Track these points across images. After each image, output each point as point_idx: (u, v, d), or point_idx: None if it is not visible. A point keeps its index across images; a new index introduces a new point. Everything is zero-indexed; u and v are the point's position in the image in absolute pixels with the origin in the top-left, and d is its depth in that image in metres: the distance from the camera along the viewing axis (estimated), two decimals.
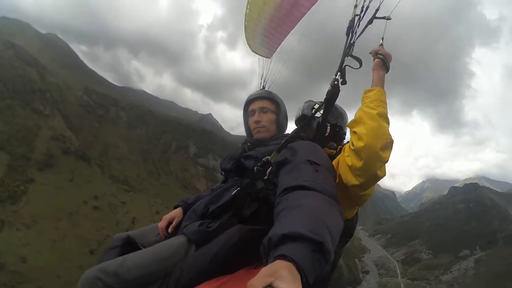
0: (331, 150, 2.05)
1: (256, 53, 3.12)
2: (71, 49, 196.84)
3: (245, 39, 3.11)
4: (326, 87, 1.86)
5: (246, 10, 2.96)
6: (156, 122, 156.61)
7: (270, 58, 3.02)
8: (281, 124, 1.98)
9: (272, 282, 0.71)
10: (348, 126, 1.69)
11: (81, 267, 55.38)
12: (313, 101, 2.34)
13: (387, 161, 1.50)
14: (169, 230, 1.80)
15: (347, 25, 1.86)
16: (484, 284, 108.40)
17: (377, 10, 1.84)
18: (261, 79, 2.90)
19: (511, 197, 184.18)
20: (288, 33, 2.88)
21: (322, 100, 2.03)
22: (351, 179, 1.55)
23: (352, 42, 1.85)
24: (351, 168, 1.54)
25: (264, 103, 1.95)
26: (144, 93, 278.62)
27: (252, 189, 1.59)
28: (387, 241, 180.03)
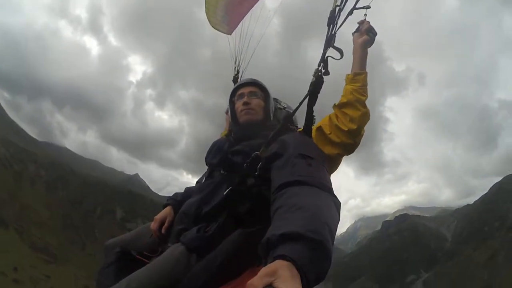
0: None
1: (217, 29, 3.18)
2: None
3: (206, 15, 3.13)
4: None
5: None
6: (78, 183, 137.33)
7: (230, 34, 3.05)
8: (269, 111, 1.97)
9: (272, 282, 0.71)
10: (336, 106, 1.83)
11: None
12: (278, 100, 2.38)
13: (364, 133, 1.81)
14: (162, 231, 1.78)
15: (328, 16, 1.87)
16: None
17: (357, 1, 1.89)
18: (235, 63, 2.95)
19: (440, 219, 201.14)
20: (249, 9, 2.89)
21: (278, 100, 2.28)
22: (336, 150, 1.79)
23: (333, 33, 1.86)
24: (339, 144, 1.76)
25: (253, 88, 1.96)
26: (66, 150, 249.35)
27: (244, 187, 1.54)
28: (333, 285, 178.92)
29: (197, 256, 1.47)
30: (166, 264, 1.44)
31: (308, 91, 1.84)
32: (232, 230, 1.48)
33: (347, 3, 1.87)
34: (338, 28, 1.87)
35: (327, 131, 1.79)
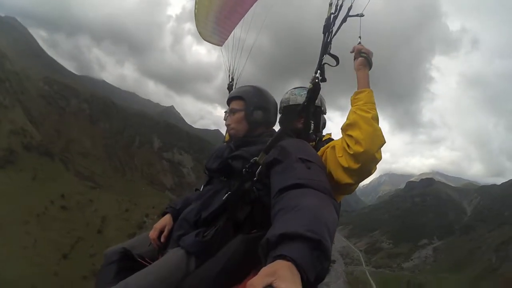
0: (311, 142, 2.15)
1: (208, 41, 3.15)
2: (30, 35, 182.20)
3: (196, 27, 3.09)
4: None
5: None
6: (118, 116, 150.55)
7: (221, 45, 3.02)
8: (252, 116, 1.89)
9: (273, 282, 0.72)
10: (342, 129, 1.73)
11: (57, 274, 52.91)
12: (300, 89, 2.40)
13: (380, 160, 1.62)
14: (162, 239, 1.77)
15: (324, 24, 1.88)
16: (443, 270, 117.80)
17: (349, 8, 1.87)
18: (229, 71, 2.94)
19: (465, 192, 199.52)
20: (239, 20, 2.85)
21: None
22: (345, 179, 1.62)
23: (329, 40, 1.86)
24: (346, 169, 1.60)
25: (233, 104, 1.93)
26: (104, 83, 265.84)
27: (243, 192, 1.57)
28: (349, 232, 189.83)
29: (196, 260, 1.49)
30: (165, 268, 1.45)
31: (306, 98, 1.86)
32: (231, 235, 1.50)
33: (341, 11, 1.88)
34: (334, 35, 1.88)
35: (338, 153, 1.67)
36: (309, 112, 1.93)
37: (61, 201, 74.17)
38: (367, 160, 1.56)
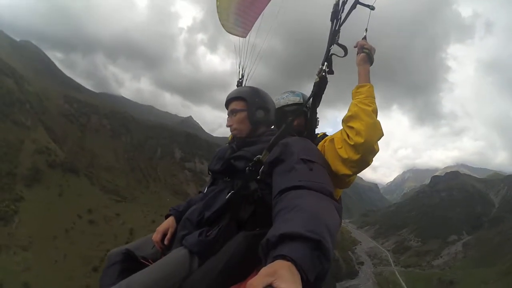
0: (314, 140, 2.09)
1: (231, 33, 3.05)
2: (46, 56, 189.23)
3: (219, 20, 3.04)
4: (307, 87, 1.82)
5: None
6: (139, 128, 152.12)
7: (245, 37, 2.93)
8: (255, 117, 1.86)
9: (273, 282, 0.71)
10: (344, 121, 1.72)
11: (89, 286, 52.35)
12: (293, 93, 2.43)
13: (378, 151, 1.65)
14: (165, 242, 1.75)
15: (332, 10, 1.77)
16: (473, 265, 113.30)
17: None
18: (239, 67, 2.84)
19: (491, 183, 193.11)
20: (262, 10, 2.82)
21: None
22: (343, 170, 1.65)
23: (337, 28, 1.76)
24: (346, 160, 1.63)
25: (233, 105, 1.89)
26: (122, 98, 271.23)
27: (246, 191, 1.55)
28: (376, 232, 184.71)
29: (199, 259, 1.49)
30: (168, 266, 1.44)
31: (312, 92, 1.78)
32: (234, 234, 1.49)
33: None
34: (342, 23, 1.77)
35: (337, 145, 1.70)
36: (316, 108, 1.87)
37: (88, 216, 74.86)
38: (367, 151, 1.61)
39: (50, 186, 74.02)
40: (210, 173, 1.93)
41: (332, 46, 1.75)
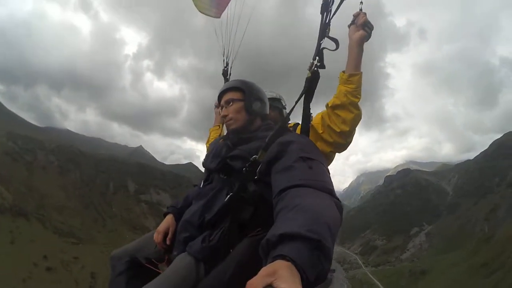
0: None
1: (204, 14, 3.00)
2: None
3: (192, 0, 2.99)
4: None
5: None
6: (88, 163, 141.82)
7: (219, 17, 2.88)
8: (252, 107, 1.83)
9: (272, 282, 0.71)
10: (330, 107, 1.78)
11: None
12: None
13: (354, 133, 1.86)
14: (167, 242, 1.75)
15: (321, 2, 1.74)
16: (440, 252, 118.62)
17: None
18: (223, 55, 2.85)
19: (441, 173, 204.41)
20: None
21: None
22: (325, 149, 1.84)
23: (327, 21, 1.73)
24: (331, 144, 1.82)
25: (228, 95, 1.86)
26: (68, 132, 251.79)
27: (245, 193, 1.52)
28: (340, 237, 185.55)
29: (205, 266, 1.47)
30: (175, 277, 1.42)
31: (304, 87, 1.74)
32: (236, 237, 1.48)
33: None
34: (333, 16, 1.73)
35: (319, 130, 1.79)
36: (309, 102, 1.80)
37: (45, 262, 68.55)
38: (350, 136, 1.82)
39: (0, 233, 67.20)
40: (206, 169, 1.90)
41: (323, 40, 1.71)
